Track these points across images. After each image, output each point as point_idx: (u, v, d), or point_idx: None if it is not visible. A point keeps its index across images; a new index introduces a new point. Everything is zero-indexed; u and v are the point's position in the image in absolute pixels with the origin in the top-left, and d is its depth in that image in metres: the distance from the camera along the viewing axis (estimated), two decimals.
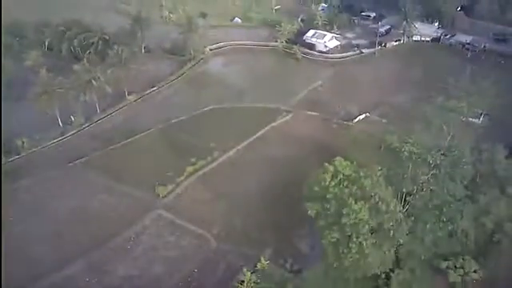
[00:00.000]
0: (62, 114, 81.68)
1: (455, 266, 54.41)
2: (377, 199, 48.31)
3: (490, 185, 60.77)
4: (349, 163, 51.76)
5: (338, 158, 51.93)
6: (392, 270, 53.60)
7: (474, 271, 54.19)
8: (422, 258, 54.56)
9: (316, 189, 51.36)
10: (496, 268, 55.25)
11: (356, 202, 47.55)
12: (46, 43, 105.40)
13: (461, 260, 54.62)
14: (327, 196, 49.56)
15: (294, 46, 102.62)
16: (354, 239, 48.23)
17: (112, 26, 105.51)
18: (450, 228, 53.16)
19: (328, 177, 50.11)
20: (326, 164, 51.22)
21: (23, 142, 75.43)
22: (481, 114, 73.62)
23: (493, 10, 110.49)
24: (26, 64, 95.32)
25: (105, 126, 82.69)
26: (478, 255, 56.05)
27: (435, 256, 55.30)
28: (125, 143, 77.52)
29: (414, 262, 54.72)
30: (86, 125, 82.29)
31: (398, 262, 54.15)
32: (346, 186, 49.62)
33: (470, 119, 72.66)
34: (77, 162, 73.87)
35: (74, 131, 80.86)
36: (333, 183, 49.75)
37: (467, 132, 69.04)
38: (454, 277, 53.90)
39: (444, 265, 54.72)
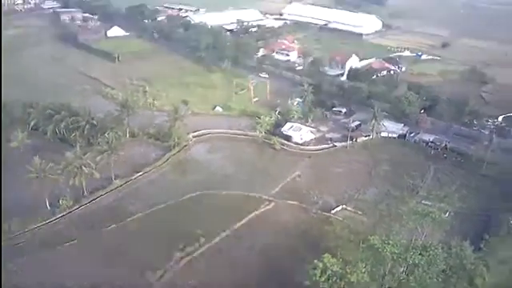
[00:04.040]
0: (49, 196, 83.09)
1: None
2: None
3: (459, 277, 65.78)
4: (336, 260, 55.91)
5: (326, 254, 56.09)
6: None
7: None
8: None
9: (307, 283, 54.91)
10: None
11: None
12: (32, 123, 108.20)
13: None
14: None
15: (273, 138, 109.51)
16: None
17: (98, 109, 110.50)
18: None
19: (318, 273, 53.95)
20: (316, 261, 55.16)
21: (9, 226, 75.76)
22: (447, 211, 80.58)
23: (451, 112, 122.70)
24: (12, 145, 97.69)
25: (92, 210, 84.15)
26: None
27: None
28: (113, 228, 79.16)
29: None
30: (74, 208, 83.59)
31: None
32: (335, 282, 53.46)
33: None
34: (66, 244, 74.59)
35: (62, 214, 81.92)
36: (322, 279, 53.53)
37: (437, 228, 75.59)
38: None
39: None
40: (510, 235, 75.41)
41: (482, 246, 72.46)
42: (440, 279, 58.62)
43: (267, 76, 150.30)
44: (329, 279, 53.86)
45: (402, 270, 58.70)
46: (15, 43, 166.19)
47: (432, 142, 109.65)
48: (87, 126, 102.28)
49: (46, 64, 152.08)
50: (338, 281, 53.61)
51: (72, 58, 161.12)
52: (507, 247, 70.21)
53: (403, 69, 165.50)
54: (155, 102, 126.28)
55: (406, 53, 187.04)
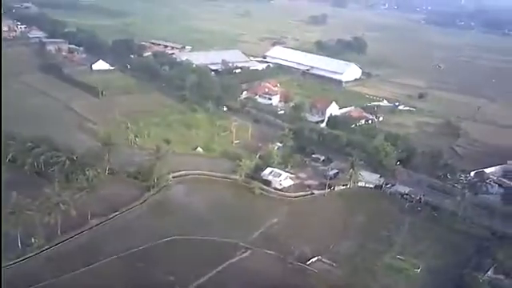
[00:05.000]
0: (22, 233, 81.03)
1: None
2: None
3: None
4: None
5: None
6: None
7: None
8: None
9: None
10: None
11: None
12: (10, 156, 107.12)
13: None
14: None
15: (253, 182, 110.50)
16: None
17: (79, 144, 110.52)
18: None
19: None
20: None
21: None
22: (419, 267, 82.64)
23: (425, 165, 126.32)
24: None
25: (65, 250, 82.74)
26: None
27: None
28: (84, 270, 77.70)
29: None
30: (46, 248, 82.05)
31: None
32: None
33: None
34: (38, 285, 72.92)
35: (33, 253, 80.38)
36: None
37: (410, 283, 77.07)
38: None
39: None
40: None
41: None
42: None
43: (225, 109, 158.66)
44: None
45: None
46: None
47: (407, 194, 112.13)
48: (67, 162, 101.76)
49: (29, 95, 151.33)
50: None
51: (56, 91, 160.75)
52: None
53: (381, 118, 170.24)
54: (137, 140, 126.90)
55: (384, 102, 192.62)
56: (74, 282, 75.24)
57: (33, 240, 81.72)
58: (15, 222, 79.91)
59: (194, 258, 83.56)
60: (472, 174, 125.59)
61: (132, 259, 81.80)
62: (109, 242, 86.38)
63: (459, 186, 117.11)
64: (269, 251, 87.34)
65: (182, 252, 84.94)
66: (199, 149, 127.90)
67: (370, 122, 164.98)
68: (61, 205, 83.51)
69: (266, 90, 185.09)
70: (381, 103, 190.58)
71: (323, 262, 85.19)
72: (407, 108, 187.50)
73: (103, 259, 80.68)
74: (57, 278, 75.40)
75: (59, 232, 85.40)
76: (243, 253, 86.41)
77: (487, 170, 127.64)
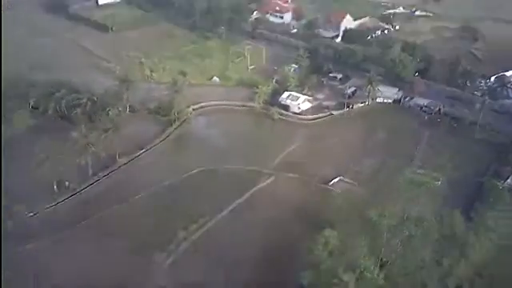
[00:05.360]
0: (56, 177, 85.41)
1: None
2: (362, 269, 56.34)
3: (451, 246, 69.91)
4: (336, 234, 59.76)
5: (327, 229, 60.00)
6: None
7: None
8: None
9: (309, 258, 58.90)
10: None
11: (345, 272, 55.33)
12: (32, 102, 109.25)
13: None
14: (320, 267, 57.21)
15: (271, 108, 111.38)
16: None
17: (96, 84, 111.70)
18: None
19: (320, 247, 57.95)
20: (318, 235, 59.16)
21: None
22: (439, 180, 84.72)
23: (444, 73, 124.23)
24: (15, 126, 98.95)
25: (98, 190, 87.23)
26: None
27: None
28: (118, 207, 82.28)
29: None
30: (80, 189, 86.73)
31: None
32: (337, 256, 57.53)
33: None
34: (79, 225, 78.28)
35: (69, 195, 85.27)
36: (325, 254, 57.52)
37: (430, 196, 79.32)
38: None
39: None
40: (498, 200, 79.36)
41: (472, 215, 76.04)
42: (433, 248, 62.72)
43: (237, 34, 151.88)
44: (331, 254, 57.80)
45: (397, 241, 62.59)
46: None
47: (426, 106, 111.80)
48: (88, 103, 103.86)
49: (36, 36, 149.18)
50: (339, 256, 57.49)
51: (64, 30, 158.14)
52: (495, 214, 74.22)
53: (397, 27, 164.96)
54: (153, 75, 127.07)
55: (400, 9, 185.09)
56: (110, 218, 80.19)
57: (67, 184, 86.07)
58: (47, 166, 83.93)
59: (221, 187, 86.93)
60: (492, 79, 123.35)
61: (162, 193, 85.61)
62: (139, 178, 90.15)
63: (479, 93, 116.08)
64: (291, 175, 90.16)
65: (210, 183, 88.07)
66: (215, 78, 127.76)
67: (386, 32, 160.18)
68: (91, 146, 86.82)
69: (277, 7, 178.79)
70: (396, 10, 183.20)
71: (345, 182, 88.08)
72: (424, 13, 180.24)
73: (135, 195, 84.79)
74: (95, 215, 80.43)
75: (91, 173, 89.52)
76: (268, 178, 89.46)
77: (508, 74, 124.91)
